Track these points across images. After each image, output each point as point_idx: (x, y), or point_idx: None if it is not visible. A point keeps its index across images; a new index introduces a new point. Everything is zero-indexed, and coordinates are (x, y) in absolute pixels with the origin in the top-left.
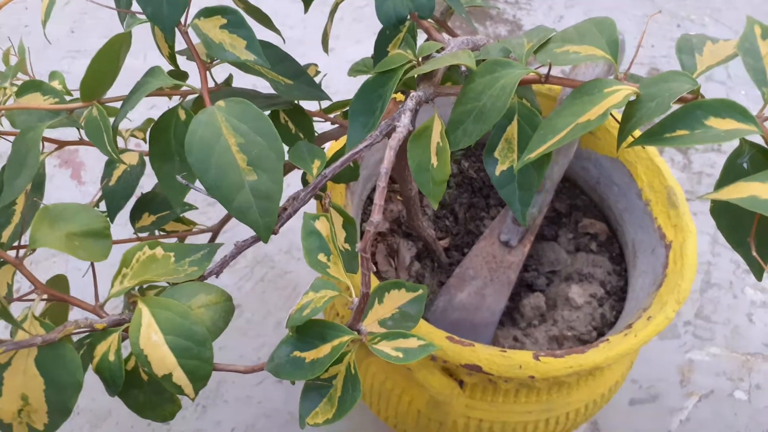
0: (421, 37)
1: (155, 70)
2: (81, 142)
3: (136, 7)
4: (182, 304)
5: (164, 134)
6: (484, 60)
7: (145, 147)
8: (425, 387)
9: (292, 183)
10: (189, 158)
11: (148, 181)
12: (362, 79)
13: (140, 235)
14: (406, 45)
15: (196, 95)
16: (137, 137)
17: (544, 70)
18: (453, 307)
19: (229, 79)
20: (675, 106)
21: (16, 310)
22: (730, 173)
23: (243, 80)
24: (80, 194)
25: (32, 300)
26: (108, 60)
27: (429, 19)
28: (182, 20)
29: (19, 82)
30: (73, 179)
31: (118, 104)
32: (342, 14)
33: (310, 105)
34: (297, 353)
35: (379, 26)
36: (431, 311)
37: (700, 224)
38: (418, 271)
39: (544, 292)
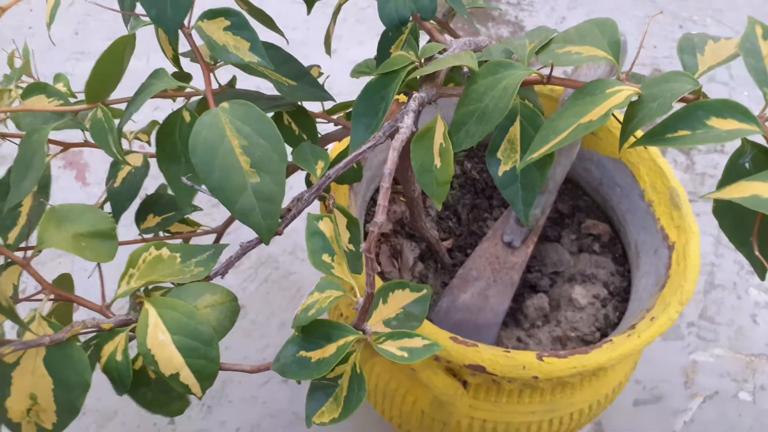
0: (424, 38)
1: (159, 72)
2: (86, 143)
3: (140, 9)
4: (188, 304)
5: (170, 136)
6: (486, 61)
7: (149, 149)
8: (429, 387)
9: (295, 185)
10: (193, 159)
11: (152, 183)
12: (365, 80)
13: (145, 236)
14: (409, 46)
15: (200, 97)
16: (141, 139)
17: (546, 71)
18: (456, 308)
19: (233, 80)
20: (677, 107)
21: (22, 310)
22: (732, 173)
23: (246, 82)
24: (85, 195)
25: (39, 300)
26: (112, 62)
27: (431, 21)
28: (186, 22)
29: (24, 85)
30: (77, 181)
31: (122, 106)
32: (345, 15)
33: (313, 106)
34: (303, 353)
35: (381, 28)
36: (434, 312)
37: (704, 225)
38: (421, 272)
39: (548, 293)
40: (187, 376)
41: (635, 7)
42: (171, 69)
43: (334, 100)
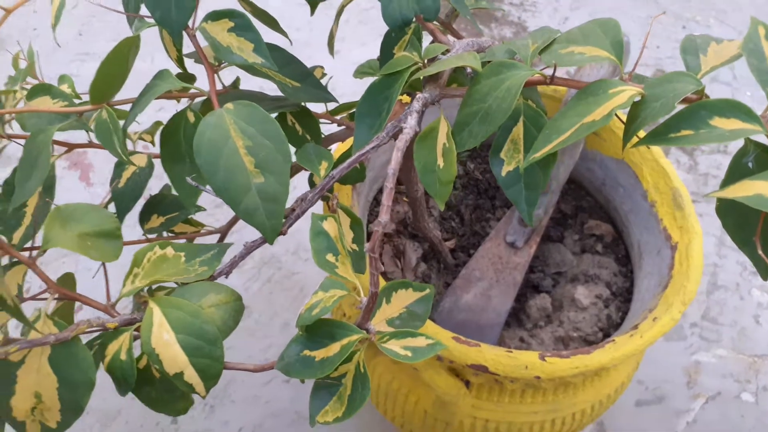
0: (427, 39)
1: (164, 73)
2: (90, 144)
3: (144, 11)
4: (193, 303)
5: (174, 136)
6: (489, 62)
7: (153, 149)
8: (432, 387)
9: (298, 185)
10: (198, 160)
11: (156, 183)
12: (368, 81)
13: (149, 236)
14: (412, 47)
15: (204, 98)
16: (145, 140)
17: (549, 72)
18: (459, 308)
19: (237, 81)
20: (680, 107)
21: (25, 310)
22: (736, 173)
23: (250, 83)
24: (89, 196)
25: (44, 299)
26: (117, 63)
27: (434, 22)
28: (190, 24)
29: (29, 86)
30: (81, 181)
31: (127, 107)
32: (348, 16)
33: (316, 107)
34: (307, 352)
35: (384, 29)
36: (437, 312)
37: (706, 226)
38: (424, 272)
39: (550, 294)
40: (192, 376)
41: (638, 8)
42: (175, 70)
43: (336, 101)
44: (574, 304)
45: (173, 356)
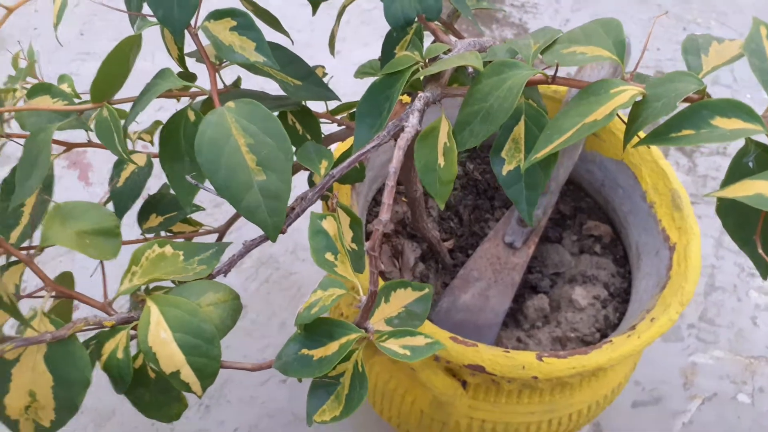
0: (428, 39)
1: (165, 71)
2: (89, 143)
3: (146, 9)
4: (191, 302)
5: (174, 135)
6: (490, 61)
7: (153, 149)
8: (428, 387)
9: (298, 185)
10: (199, 158)
11: (155, 183)
12: (369, 81)
13: (147, 236)
14: (414, 47)
15: (205, 97)
16: (144, 139)
17: (550, 72)
18: (457, 308)
19: (238, 81)
20: (681, 106)
21: (22, 308)
22: (736, 172)
23: (251, 82)
24: (88, 195)
25: (41, 297)
26: (118, 62)
27: (436, 22)
28: (192, 23)
29: (29, 86)
30: (80, 180)
31: (127, 106)
32: (349, 17)
33: (317, 106)
34: (305, 351)
35: (385, 29)
36: (435, 312)
37: (705, 227)
38: (422, 272)
39: (548, 294)
40: (188, 374)
41: (639, 10)
42: (176, 69)
43: (339, 99)
44: (572, 304)
45: (170, 355)
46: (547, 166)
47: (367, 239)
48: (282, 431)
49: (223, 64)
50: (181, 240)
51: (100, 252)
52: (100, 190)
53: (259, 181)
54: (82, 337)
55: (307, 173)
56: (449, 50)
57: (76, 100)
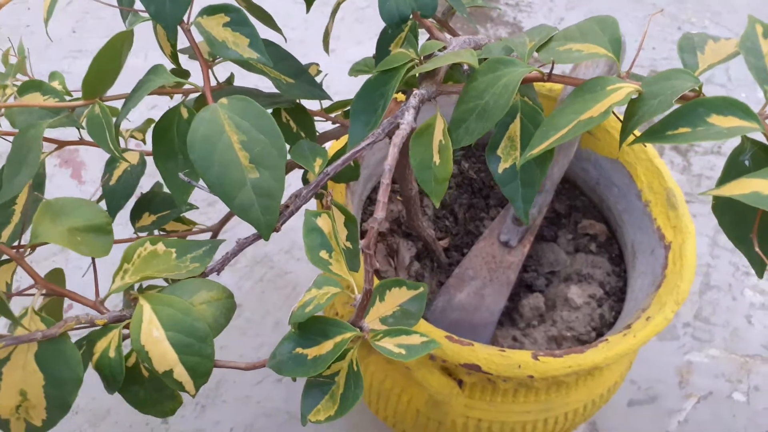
0: (423, 37)
1: (158, 68)
2: (81, 141)
3: (138, 5)
4: (184, 300)
5: (167, 132)
6: (486, 59)
7: (145, 147)
8: (424, 386)
9: (292, 183)
10: (191, 155)
11: (147, 181)
12: (363, 79)
13: (140, 234)
14: (408, 44)
15: (198, 94)
16: (137, 137)
17: (546, 69)
18: (452, 307)
19: (231, 78)
20: (677, 105)
21: (14, 307)
22: (732, 170)
23: (245, 80)
24: (80, 194)
25: (31, 295)
26: (110, 58)
27: (431, 19)
28: (185, 18)
29: (19, 83)
30: (73, 179)
31: (119, 103)
32: (343, 15)
33: (311, 104)
34: (299, 350)
35: (380, 28)
36: (430, 311)
37: (700, 226)
38: (417, 271)
39: (544, 293)
40: (181, 373)
41: (634, 9)
42: (169, 66)
43: (331, 99)
44: (568, 303)
45: (163, 353)
46: (543, 164)
47: (362, 238)
48: (278, 431)
49: (216, 61)
50: (175, 238)
51: (92, 249)
52: (93, 188)
53: (252, 178)
54: (75, 336)
55: (301, 171)
56: (444, 47)
57: (68, 98)
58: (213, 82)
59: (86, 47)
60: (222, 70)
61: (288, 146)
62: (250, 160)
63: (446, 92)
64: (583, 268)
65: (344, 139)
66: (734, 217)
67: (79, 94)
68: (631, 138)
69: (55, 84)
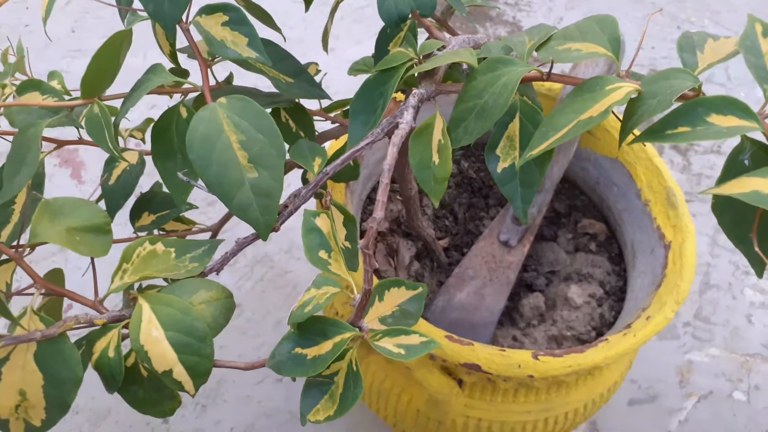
0: (422, 36)
1: (157, 67)
2: (80, 141)
3: (137, 4)
4: (183, 300)
5: (166, 132)
6: (485, 58)
7: (144, 147)
8: (424, 386)
9: (291, 183)
10: (190, 155)
11: (147, 181)
12: (362, 78)
13: (140, 234)
14: (408, 43)
15: (197, 93)
16: (136, 137)
17: (545, 69)
18: (452, 307)
19: (230, 77)
20: (676, 104)
21: (13, 307)
22: (732, 170)
23: (244, 79)
24: (80, 194)
25: (31, 294)
26: (109, 57)
27: (430, 18)
28: (184, 17)
29: (18, 82)
30: (73, 179)
31: (118, 102)
32: (342, 14)
33: (310, 104)
34: (298, 350)
35: (379, 27)
36: (430, 311)
37: (699, 225)
38: (417, 270)
39: (544, 292)
40: (180, 373)
41: (633, 8)
42: (168, 65)
43: (330, 98)
44: (568, 302)
45: (162, 353)
46: (543, 164)
47: (362, 237)
48: (278, 430)
49: (216, 60)
50: (174, 238)
51: (91, 249)
52: (93, 188)
53: (251, 178)
54: (74, 336)
55: (300, 171)
56: (443, 47)
57: (67, 97)
58: (212, 82)
59: (85, 47)
60: (221, 70)
61: (287, 146)
62: (248, 160)
63: (445, 91)
64: (583, 267)
65: (343, 138)
66: (734, 217)
67: (78, 94)
68: (630, 137)
69: (54, 83)
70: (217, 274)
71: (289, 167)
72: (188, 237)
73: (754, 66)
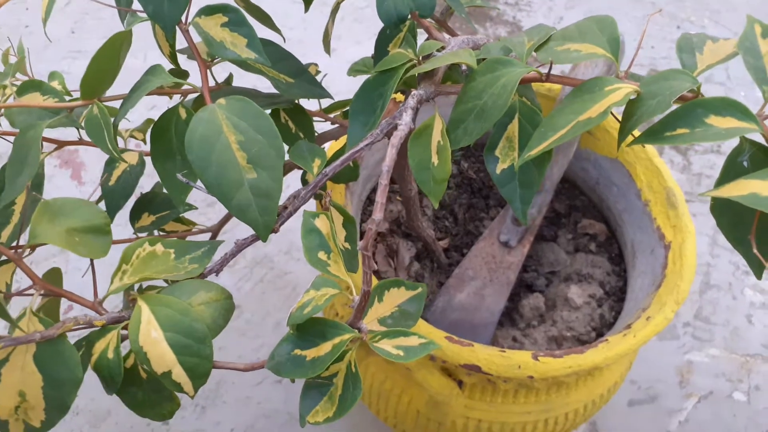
0: (421, 37)
1: (156, 68)
2: (81, 142)
3: (137, 5)
4: (182, 301)
5: (165, 133)
6: (484, 59)
7: (145, 148)
8: (424, 387)
9: (291, 184)
10: (189, 156)
11: (147, 181)
12: (362, 79)
13: (140, 235)
14: (407, 44)
15: (196, 94)
16: (136, 138)
17: (544, 69)
18: (452, 308)
19: (230, 78)
20: (675, 105)
21: (16, 306)
22: (731, 171)
23: (243, 80)
24: (80, 194)
25: (30, 295)
26: (109, 58)
27: (429, 19)
28: (183, 19)
29: (19, 83)
30: (73, 179)
31: (118, 103)
32: (342, 15)
33: (310, 105)
34: (298, 351)
35: (379, 27)
36: (430, 312)
37: (699, 226)
38: (417, 271)
39: (544, 293)
40: (179, 374)
41: (633, 8)
42: (168, 66)
43: (332, 97)
44: (568, 303)
45: (161, 354)
46: (542, 164)
47: (362, 238)
48: None
49: (215, 61)
50: (173, 239)
51: (90, 250)
52: (93, 189)
53: (250, 179)
54: (74, 337)
55: (300, 172)
56: (443, 48)
57: (67, 98)
58: (211, 83)
59: (85, 48)
60: (221, 71)
61: (287, 147)
62: (247, 161)
63: (445, 92)
64: (583, 267)
65: (343, 139)
66: (732, 219)
67: (79, 95)
68: (629, 139)
69: (55, 84)
70: (217, 275)
71: (288, 168)
72: (188, 238)
73: (753, 67)
